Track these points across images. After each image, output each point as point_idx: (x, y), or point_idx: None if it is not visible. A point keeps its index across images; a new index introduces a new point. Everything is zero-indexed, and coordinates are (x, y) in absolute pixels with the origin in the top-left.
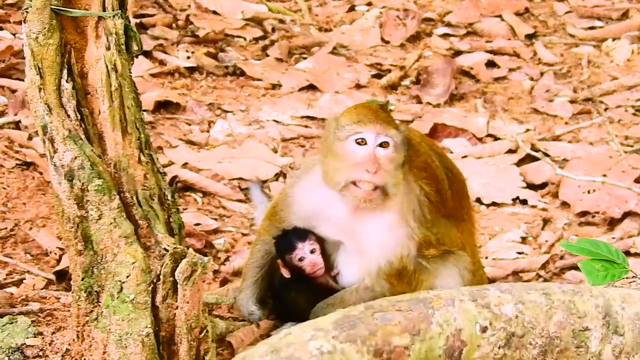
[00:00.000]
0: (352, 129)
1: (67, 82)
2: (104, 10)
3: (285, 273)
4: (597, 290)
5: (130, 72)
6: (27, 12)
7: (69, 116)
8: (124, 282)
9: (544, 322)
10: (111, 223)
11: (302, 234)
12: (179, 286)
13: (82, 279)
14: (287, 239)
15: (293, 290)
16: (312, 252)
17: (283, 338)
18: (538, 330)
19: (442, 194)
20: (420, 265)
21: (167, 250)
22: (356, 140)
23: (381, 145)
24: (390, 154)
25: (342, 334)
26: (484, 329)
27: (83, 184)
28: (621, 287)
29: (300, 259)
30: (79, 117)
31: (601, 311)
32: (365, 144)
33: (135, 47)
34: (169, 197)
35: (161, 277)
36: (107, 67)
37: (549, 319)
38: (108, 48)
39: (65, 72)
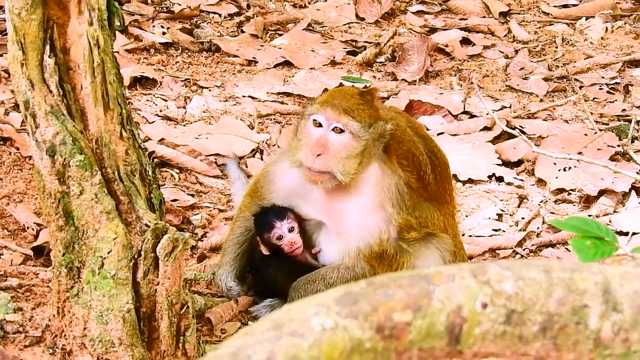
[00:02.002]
0: (315, 108)
1: (49, 57)
2: None
3: (265, 250)
4: (596, 268)
5: (112, 48)
6: None
7: (51, 92)
8: (105, 258)
9: (544, 299)
10: (92, 199)
11: (281, 212)
12: (160, 262)
13: (63, 255)
14: (266, 217)
15: (272, 267)
16: (290, 230)
17: (285, 314)
18: (538, 307)
19: (424, 180)
20: (402, 248)
21: (148, 226)
22: (314, 121)
23: (334, 130)
24: (343, 141)
25: (344, 309)
26: (484, 306)
27: (65, 159)
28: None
29: (279, 238)
30: (61, 93)
31: (600, 288)
32: (321, 126)
33: (117, 23)
34: (150, 173)
35: (142, 253)
36: (89, 42)
37: (548, 296)
38: (91, 23)
39: (47, 47)
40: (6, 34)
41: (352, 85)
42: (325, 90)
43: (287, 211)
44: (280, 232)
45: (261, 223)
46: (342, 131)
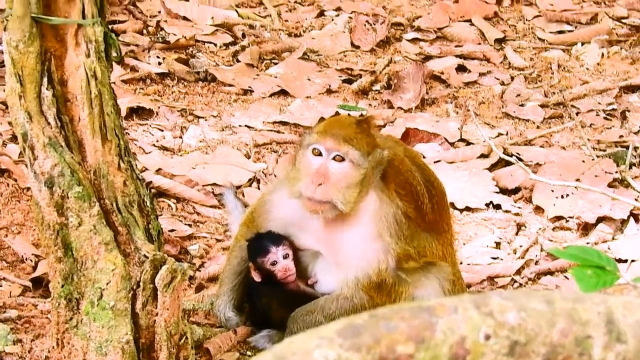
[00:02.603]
0: (313, 138)
1: (47, 89)
2: (84, 18)
3: (256, 277)
4: (598, 298)
5: (110, 79)
6: (7, 20)
7: (49, 123)
8: (104, 289)
9: (547, 330)
10: (91, 230)
11: (276, 238)
12: (158, 293)
13: (62, 286)
14: (261, 242)
15: (265, 296)
16: (285, 257)
17: (287, 346)
18: (541, 338)
19: (422, 209)
20: (400, 278)
21: (146, 257)
22: (313, 150)
23: (335, 158)
24: (344, 170)
25: (347, 342)
26: (487, 337)
27: (63, 191)
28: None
29: (273, 263)
30: (59, 125)
31: (603, 319)
32: (321, 155)
33: (114, 54)
34: (148, 204)
35: (141, 284)
36: (87, 74)
37: (551, 327)
38: (88, 55)
39: (45, 79)
40: (4, 67)
41: (349, 114)
42: (322, 119)
43: (282, 237)
44: (275, 258)
45: (256, 248)
46: (342, 159)
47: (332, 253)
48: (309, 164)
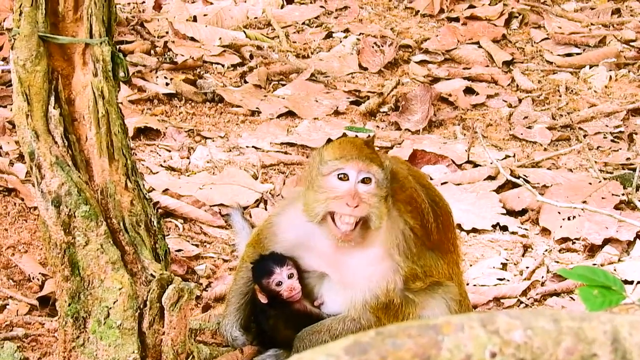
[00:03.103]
0: (335, 165)
1: (54, 108)
2: (91, 37)
3: (262, 298)
4: (605, 317)
5: (117, 99)
6: (14, 39)
7: (56, 142)
8: (110, 308)
9: (553, 348)
10: (98, 249)
11: (280, 258)
12: (165, 312)
13: (69, 305)
14: (265, 264)
15: (272, 317)
16: (290, 277)
17: None
18: (547, 356)
19: (427, 228)
20: (408, 299)
21: (153, 276)
22: (338, 175)
23: (363, 181)
24: (372, 190)
25: (354, 359)
26: (493, 355)
27: (70, 210)
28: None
29: (278, 284)
30: (66, 144)
31: (609, 337)
32: (348, 179)
33: (121, 74)
34: (155, 224)
35: (148, 303)
36: (94, 93)
37: (557, 345)
38: (95, 75)
39: (52, 98)
40: (11, 86)
41: (356, 136)
42: (329, 140)
43: (285, 258)
44: (280, 278)
45: (260, 270)
46: (369, 181)
47: (339, 275)
48: (334, 188)
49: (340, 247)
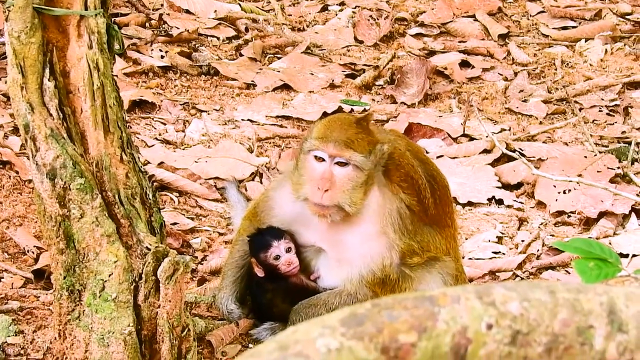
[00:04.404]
0: (314, 144)
1: (49, 80)
2: (86, 9)
3: (259, 272)
4: (601, 289)
5: (112, 71)
6: (9, 10)
7: (51, 115)
8: (106, 281)
9: (549, 320)
10: (93, 222)
11: (278, 232)
12: (161, 285)
13: (64, 278)
14: (263, 237)
15: (269, 291)
16: (287, 250)
17: (290, 335)
18: (543, 328)
19: (424, 203)
20: (404, 274)
21: (149, 249)
22: (316, 156)
23: (338, 163)
24: (348, 174)
25: (350, 331)
26: (489, 327)
27: (65, 182)
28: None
29: (276, 258)
30: (61, 116)
31: (605, 309)
32: (323, 161)
33: (116, 46)
34: (151, 196)
35: (143, 276)
36: (89, 66)
37: (554, 317)
38: (90, 47)
39: (47, 71)
40: (6, 58)
41: (352, 109)
42: (324, 114)
43: (283, 232)
44: (278, 252)
45: (257, 243)
46: (345, 164)
47: (335, 250)
48: (311, 169)
49: (334, 224)
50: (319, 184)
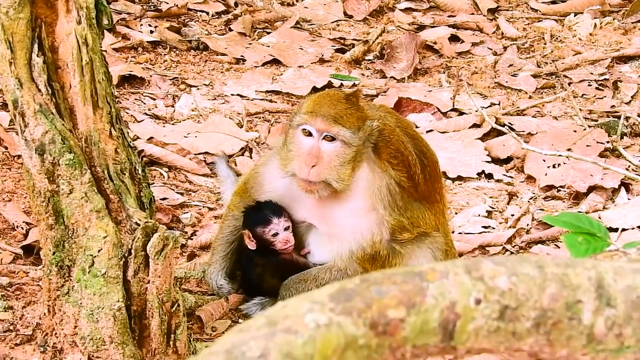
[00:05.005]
0: (303, 118)
1: (37, 56)
2: None
3: (251, 245)
4: (589, 263)
5: (101, 47)
6: None
7: (39, 90)
8: (95, 257)
9: (538, 295)
10: (82, 197)
11: (278, 209)
12: (150, 260)
13: (53, 253)
14: (263, 212)
15: (259, 266)
16: (286, 229)
17: (279, 310)
18: (531, 302)
19: (414, 179)
20: (394, 250)
21: (138, 225)
22: (304, 130)
23: (326, 138)
24: (336, 149)
25: (338, 306)
26: (478, 302)
27: (54, 158)
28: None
29: (275, 234)
30: (50, 92)
31: (594, 284)
32: (311, 135)
33: (105, 21)
34: (140, 172)
35: (133, 251)
36: (77, 41)
37: (542, 292)
38: (79, 22)
39: (36, 46)
40: None
41: (341, 84)
42: (314, 89)
43: (282, 209)
44: (277, 229)
45: (256, 217)
46: (333, 139)
47: (325, 226)
48: (300, 144)
49: (323, 200)
50: (306, 160)
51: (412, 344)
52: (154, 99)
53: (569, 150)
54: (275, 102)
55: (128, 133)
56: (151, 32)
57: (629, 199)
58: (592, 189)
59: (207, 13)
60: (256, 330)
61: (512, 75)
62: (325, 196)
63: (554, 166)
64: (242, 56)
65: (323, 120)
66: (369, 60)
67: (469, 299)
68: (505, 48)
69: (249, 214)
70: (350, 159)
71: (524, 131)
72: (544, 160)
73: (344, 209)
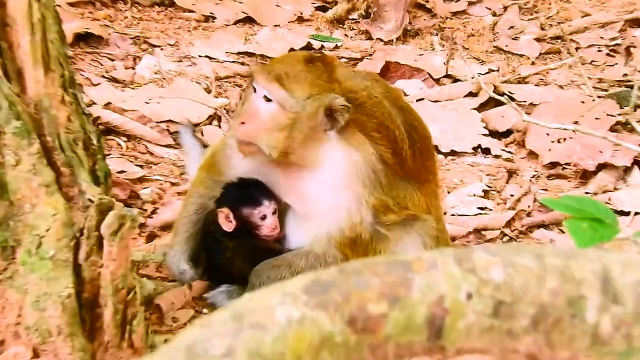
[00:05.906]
0: (253, 74)
1: None
2: None
3: (228, 227)
4: (594, 254)
5: (54, 1)
6: None
7: None
8: (43, 237)
9: (536, 289)
10: (30, 170)
11: (267, 191)
12: (104, 242)
13: None
14: (251, 191)
15: (228, 250)
16: (274, 212)
17: (246, 303)
18: (529, 297)
19: (401, 155)
20: (379, 233)
21: (92, 202)
22: (254, 87)
23: (265, 98)
24: (270, 111)
25: (313, 299)
26: (469, 296)
27: (0, 125)
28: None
29: (263, 218)
30: None
31: (599, 277)
32: (256, 92)
33: None
34: (95, 142)
35: (85, 231)
36: None
37: (541, 286)
38: None
39: None
40: None
41: (322, 46)
42: (291, 51)
43: (271, 192)
44: (267, 212)
45: (243, 196)
46: (269, 100)
47: (300, 204)
48: (247, 101)
49: (293, 175)
50: (241, 116)
51: (394, 343)
52: (113, 60)
53: (575, 123)
54: (248, 65)
55: (82, 98)
56: None
57: None
58: (601, 167)
59: None
60: (220, 326)
61: (512, 39)
62: (291, 170)
63: (558, 141)
64: (211, 13)
65: (266, 78)
66: (353, 19)
67: (459, 292)
68: (505, 8)
69: (232, 191)
70: (286, 126)
71: (525, 101)
72: (548, 134)
73: (315, 185)
